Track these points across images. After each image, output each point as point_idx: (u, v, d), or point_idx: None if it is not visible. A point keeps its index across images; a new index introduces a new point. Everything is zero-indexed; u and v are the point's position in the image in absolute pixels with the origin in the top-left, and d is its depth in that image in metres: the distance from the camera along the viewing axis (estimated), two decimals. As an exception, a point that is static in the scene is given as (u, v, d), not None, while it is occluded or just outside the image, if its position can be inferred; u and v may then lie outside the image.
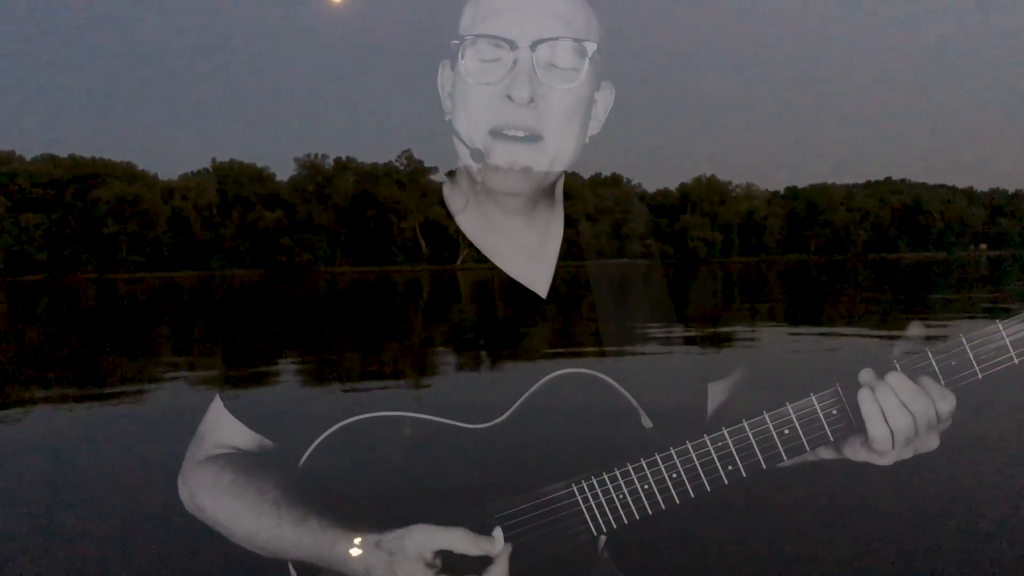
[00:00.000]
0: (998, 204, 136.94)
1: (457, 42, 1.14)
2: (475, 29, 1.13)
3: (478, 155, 1.13)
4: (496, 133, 1.12)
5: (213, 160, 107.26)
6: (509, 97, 1.09)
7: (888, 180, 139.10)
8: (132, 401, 8.06)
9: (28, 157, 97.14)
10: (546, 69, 1.11)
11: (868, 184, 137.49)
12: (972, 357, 0.97)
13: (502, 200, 1.19)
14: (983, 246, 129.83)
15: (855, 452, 1.07)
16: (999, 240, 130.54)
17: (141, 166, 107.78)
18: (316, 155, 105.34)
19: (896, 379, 0.98)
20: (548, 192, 1.24)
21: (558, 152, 1.15)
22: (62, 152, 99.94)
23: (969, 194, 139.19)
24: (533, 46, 1.09)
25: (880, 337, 11.82)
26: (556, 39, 1.10)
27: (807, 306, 19.90)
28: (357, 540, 1.00)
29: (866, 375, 1.00)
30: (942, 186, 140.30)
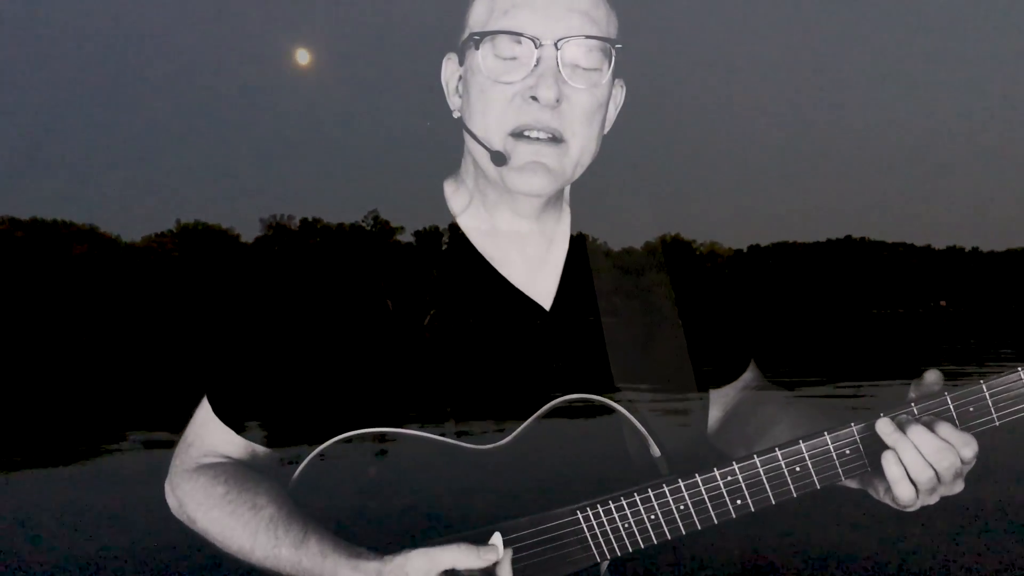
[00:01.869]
0: (956, 262, 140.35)
1: (476, 36, 1.06)
2: (493, 24, 1.05)
3: (499, 158, 1.07)
4: (518, 134, 1.06)
5: (177, 222, 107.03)
6: (534, 97, 1.04)
7: (848, 238, 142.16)
8: (87, 465, 7.73)
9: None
10: (571, 69, 1.05)
11: (829, 242, 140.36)
12: (991, 404, 0.93)
13: (520, 202, 1.13)
14: (943, 303, 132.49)
15: (878, 494, 1.00)
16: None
17: (104, 228, 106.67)
18: (282, 216, 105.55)
19: (919, 435, 0.91)
20: (557, 194, 1.17)
21: (581, 155, 1.09)
22: (24, 215, 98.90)
23: (927, 252, 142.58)
24: (558, 44, 1.03)
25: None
26: (582, 37, 1.04)
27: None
28: (360, 569, 0.95)
29: (884, 427, 0.92)
30: (901, 244, 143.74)
